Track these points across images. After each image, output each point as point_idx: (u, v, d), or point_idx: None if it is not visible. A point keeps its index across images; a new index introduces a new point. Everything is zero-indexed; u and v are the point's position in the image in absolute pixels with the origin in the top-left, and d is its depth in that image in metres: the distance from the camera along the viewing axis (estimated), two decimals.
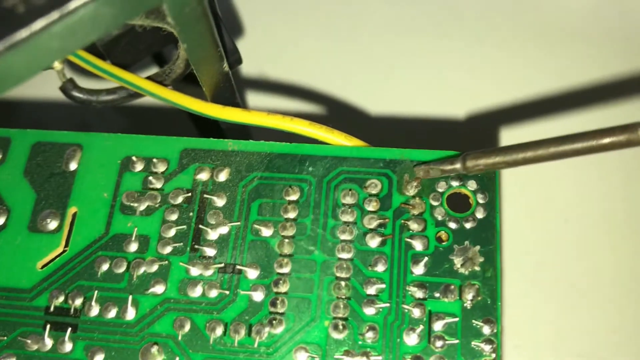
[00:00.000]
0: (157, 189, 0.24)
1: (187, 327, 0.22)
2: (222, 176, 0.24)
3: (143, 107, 0.33)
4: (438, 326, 0.21)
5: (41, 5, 0.16)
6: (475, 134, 0.32)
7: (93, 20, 0.16)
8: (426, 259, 0.22)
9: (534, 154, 0.20)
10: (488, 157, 0.21)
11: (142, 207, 0.24)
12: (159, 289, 0.22)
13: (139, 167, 0.24)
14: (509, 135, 0.32)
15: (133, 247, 0.23)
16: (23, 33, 0.15)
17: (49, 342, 0.22)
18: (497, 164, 0.21)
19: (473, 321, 0.21)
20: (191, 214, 0.23)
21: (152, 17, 0.20)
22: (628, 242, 0.31)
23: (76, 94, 0.26)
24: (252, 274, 0.22)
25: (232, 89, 0.25)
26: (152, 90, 0.25)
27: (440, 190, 0.23)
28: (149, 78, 0.26)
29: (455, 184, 0.23)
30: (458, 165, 0.22)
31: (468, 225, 0.23)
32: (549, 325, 0.30)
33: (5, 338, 0.22)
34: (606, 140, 0.18)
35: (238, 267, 0.23)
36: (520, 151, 0.20)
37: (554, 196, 0.31)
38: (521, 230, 0.31)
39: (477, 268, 0.22)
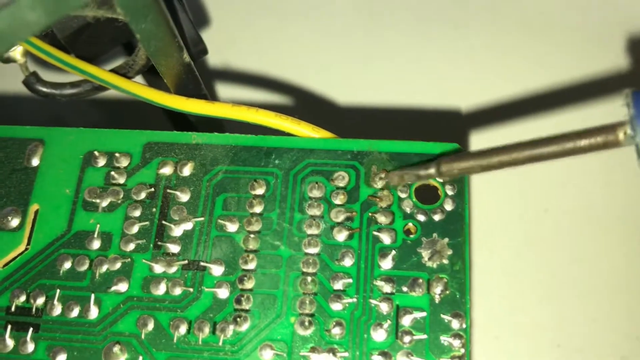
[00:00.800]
0: (119, 185, 0.23)
1: (151, 326, 0.21)
2: (186, 170, 0.23)
3: (117, 100, 0.32)
4: (406, 321, 0.21)
5: None
6: (444, 124, 0.31)
7: (33, 11, 0.16)
8: (394, 252, 0.22)
9: (509, 157, 0.19)
10: (462, 161, 0.20)
11: (105, 203, 0.23)
12: (122, 287, 0.22)
13: (102, 162, 0.24)
14: (478, 123, 0.31)
15: (95, 244, 0.23)
16: None
17: (10, 343, 0.22)
18: (472, 168, 0.20)
19: (442, 315, 0.21)
20: (154, 209, 0.23)
21: (104, 8, 0.19)
22: (607, 232, 0.30)
23: (40, 87, 0.26)
24: (217, 270, 0.22)
25: (197, 80, 0.24)
26: (114, 83, 0.25)
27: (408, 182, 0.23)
28: (112, 70, 0.25)
29: None
30: (432, 171, 0.21)
31: (437, 218, 0.22)
32: (528, 316, 0.30)
33: None
34: (584, 143, 0.17)
35: (202, 263, 0.22)
36: (495, 155, 0.19)
37: (533, 185, 0.31)
38: (499, 220, 0.31)
39: (445, 261, 0.22)
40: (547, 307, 0.30)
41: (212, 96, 0.29)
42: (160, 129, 0.24)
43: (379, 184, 0.23)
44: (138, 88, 0.24)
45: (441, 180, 0.22)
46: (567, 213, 0.31)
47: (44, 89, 0.26)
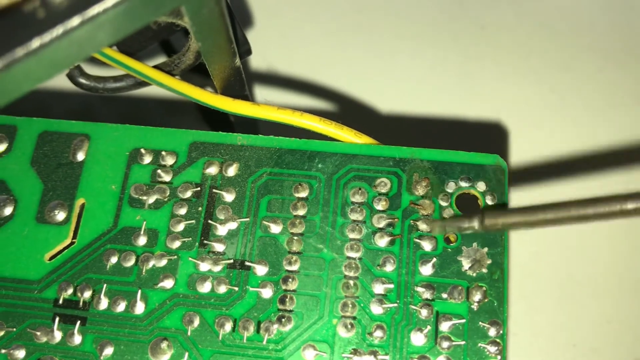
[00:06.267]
0: (166, 183, 0.24)
1: (196, 323, 0.22)
2: (231, 171, 0.24)
3: (149, 96, 0.32)
4: (445, 327, 0.22)
5: (62, 11, 0.15)
6: (484, 135, 0.32)
7: (112, 25, 0.16)
8: (434, 259, 0.22)
9: (554, 216, 0.19)
10: (507, 217, 0.20)
11: (151, 200, 0.24)
12: (168, 283, 0.23)
13: (148, 159, 0.24)
14: (517, 135, 0.32)
15: (142, 240, 0.23)
16: (43, 39, 0.15)
17: (58, 335, 0.22)
18: (516, 224, 0.20)
19: (480, 323, 0.22)
20: (200, 208, 0.23)
21: (169, 15, 0.20)
22: (623, 234, 0.31)
23: (83, 80, 0.26)
24: (261, 270, 0.23)
25: (242, 82, 0.25)
26: (161, 80, 0.25)
27: (449, 190, 0.23)
28: (156, 67, 0.25)
29: (464, 184, 0.23)
30: (475, 224, 0.21)
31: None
32: (545, 314, 0.31)
33: (15, 329, 0.22)
34: (631, 206, 0.17)
35: (247, 263, 0.23)
36: (541, 213, 0.19)
37: (556, 190, 0.32)
38: None
39: (484, 270, 0.22)
40: (563, 308, 0.31)
41: (252, 98, 0.30)
42: (192, 125, 0.25)
43: (421, 192, 0.23)
44: (186, 87, 0.24)
45: (482, 190, 0.23)
46: None
47: (88, 83, 0.26)
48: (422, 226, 0.23)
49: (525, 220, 0.20)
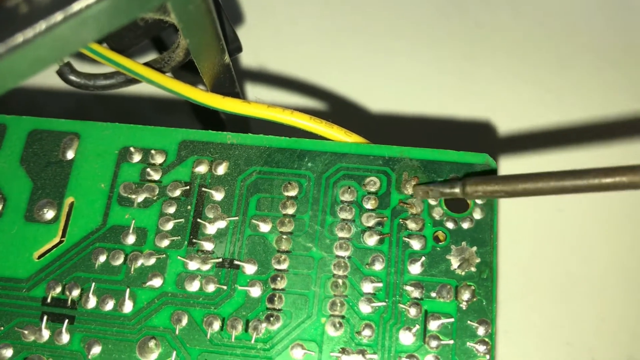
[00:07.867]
0: (155, 181, 0.24)
1: (185, 321, 0.22)
2: (221, 169, 0.24)
3: (141, 94, 0.32)
4: (433, 326, 0.22)
5: (45, 6, 0.15)
6: (473, 134, 0.32)
7: (97, 21, 0.16)
8: (423, 258, 0.22)
9: (534, 186, 0.19)
10: (487, 184, 0.21)
11: (140, 199, 0.24)
12: (156, 282, 0.22)
13: (137, 158, 0.24)
14: (506, 134, 0.32)
15: (130, 239, 0.23)
16: (26, 35, 0.15)
17: (46, 334, 0.22)
18: (496, 192, 0.21)
19: (468, 322, 0.22)
20: (189, 207, 0.23)
21: (156, 12, 0.20)
22: (619, 233, 0.31)
23: (73, 78, 0.26)
24: (250, 269, 0.23)
25: (232, 79, 0.25)
26: (151, 78, 0.25)
27: None
28: (146, 64, 0.25)
29: None
30: (457, 190, 0.22)
31: (465, 226, 0.23)
32: (539, 313, 0.31)
33: (2, 328, 0.22)
34: (609, 180, 0.18)
35: (236, 262, 0.23)
36: (520, 182, 0.20)
37: None
38: (515, 219, 0.31)
39: (473, 269, 0.22)
40: (558, 306, 0.30)
41: (243, 95, 0.30)
42: (183, 122, 0.25)
43: (410, 191, 0.23)
44: (177, 85, 0.24)
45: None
46: (580, 213, 0.31)
47: (78, 80, 0.26)
48: (411, 225, 0.23)
49: (506, 188, 0.20)
